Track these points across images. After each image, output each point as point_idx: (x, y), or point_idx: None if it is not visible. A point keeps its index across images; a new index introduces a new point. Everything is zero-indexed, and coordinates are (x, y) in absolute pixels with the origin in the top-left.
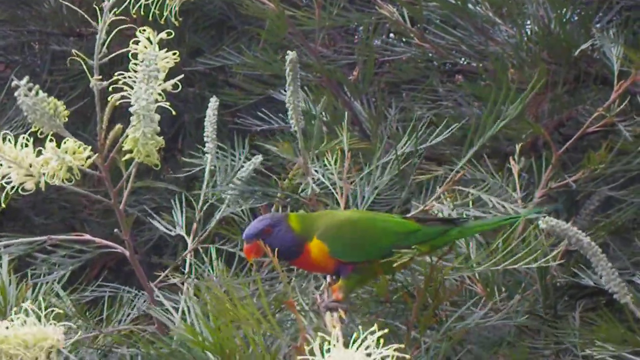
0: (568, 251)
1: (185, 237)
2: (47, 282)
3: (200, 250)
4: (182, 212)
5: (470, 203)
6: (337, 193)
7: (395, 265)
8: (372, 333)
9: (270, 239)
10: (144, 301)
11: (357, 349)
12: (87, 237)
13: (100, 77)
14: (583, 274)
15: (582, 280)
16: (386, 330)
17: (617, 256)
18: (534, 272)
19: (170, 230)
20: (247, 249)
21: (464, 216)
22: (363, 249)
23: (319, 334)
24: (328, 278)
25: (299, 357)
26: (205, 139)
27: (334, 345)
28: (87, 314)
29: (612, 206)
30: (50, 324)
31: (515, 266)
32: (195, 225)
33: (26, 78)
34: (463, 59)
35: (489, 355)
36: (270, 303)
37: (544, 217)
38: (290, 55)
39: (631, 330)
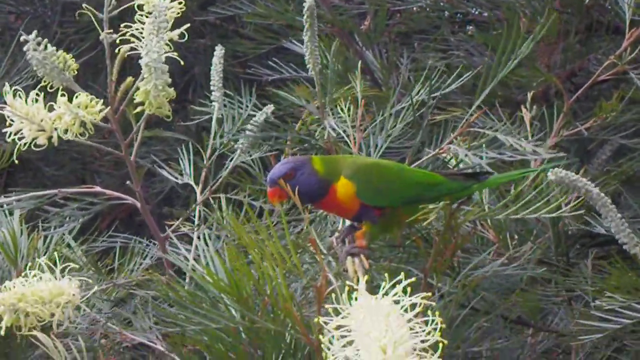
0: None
1: (194, 186)
2: (58, 234)
3: (211, 200)
4: (190, 161)
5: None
6: (350, 141)
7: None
8: (400, 282)
9: (294, 181)
10: (156, 250)
11: (384, 296)
12: (98, 189)
13: (111, 30)
14: (595, 222)
15: (594, 229)
16: (413, 279)
17: (629, 205)
18: (546, 220)
19: (179, 180)
20: (271, 193)
21: (485, 171)
22: (389, 195)
23: (344, 279)
24: (342, 223)
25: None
26: (212, 87)
27: (360, 292)
28: (99, 264)
29: (624, 155)
30: (66, 277)
31: (534, 215)
32: (204, 174)
33: (34, 32)
34: (475, 8)
35: (502, 301)
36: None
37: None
38: (308, 2)
39: None
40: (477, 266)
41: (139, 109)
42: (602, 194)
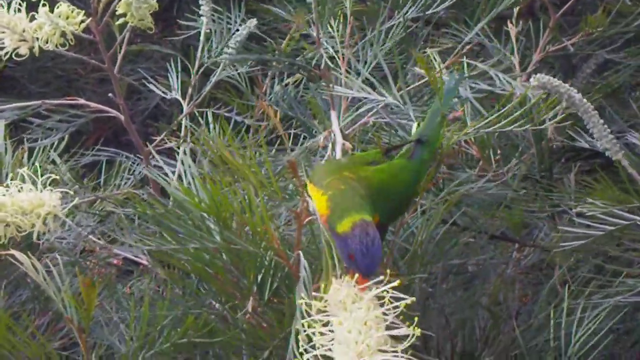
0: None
1: (180, 100)
2: (43, 149)
3: (197, 114)
4: (177, 74)
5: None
6: (339, 59)
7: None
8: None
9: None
10: (141, 165)
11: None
12: (82, 101)
13: None
14: (579, 137)
15: (578, 143)
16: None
17: (614, 120)
18: (530, 135)
19: (166, 94)
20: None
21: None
22: (403, 207)
23: None
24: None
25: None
26: (200, 0)
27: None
28: (84, 180)
29: (609, 69)
30: (47, 189)
31: (520, 129)
32: (190, 89)
33: None
34: None
35: (485, 217)
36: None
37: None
38: None
39: (626, 191)
40: (461, 183)
41: (121, 20)
42: (585, 100)
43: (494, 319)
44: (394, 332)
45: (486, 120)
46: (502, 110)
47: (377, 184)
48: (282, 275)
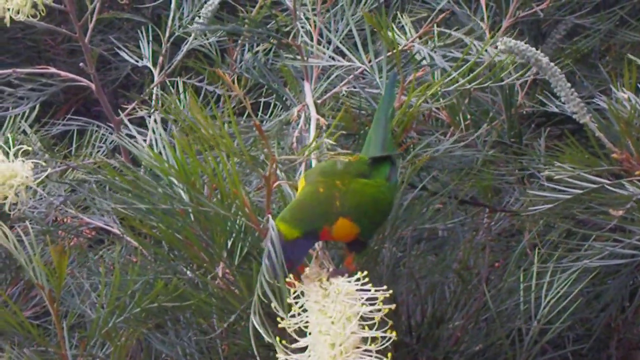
0: (534, 80)
1: (152, 68)
2: (14, 120)
3: (168, 83)
4: (148, 42)
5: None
6: (310, 26)
7: None
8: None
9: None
10: (112, 134)
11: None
12: (53, 70)
13: None
14: (549, 102)
15: (549, 108)
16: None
17: (584, 86)
18: (500, 101)
19: (137, 62)
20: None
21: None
22: (380, 226)
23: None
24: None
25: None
26: None
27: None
28: (55, 149)
29: (578, 34)
30: (19, 160)
31: (483, 86)
32: (161, 58)
33: None
34: None
35: (456, 182)
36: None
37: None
38: None
39: (595, 155)
40: (429, 145)
41: None
42: (552, 64)
43: (464, 284)
44: (370, 334)
45: (449, 78)
46: (462, 68)
47: (370, 195)
48: (251, 239)
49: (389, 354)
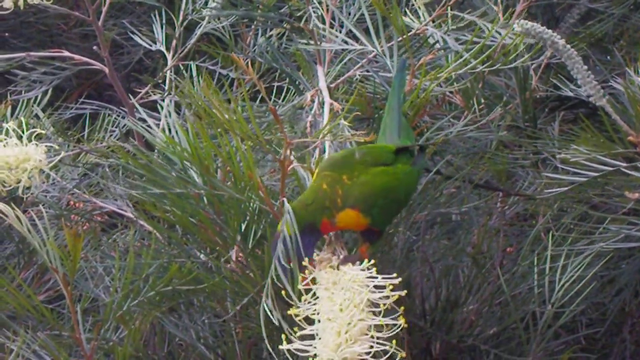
0: (548, 64)
1: (165, 51)
2: (27, 104)
3: (181, 67)
4: (162, 26)
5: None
6: (323, 10)
7: None
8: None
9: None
10: (125, 117)
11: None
12: (66, 53)
13: None
14: (563, 86)
15: (563, 92)
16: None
17: (598, 70)
18: (514, 85)
19: (151, 46)
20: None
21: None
22: (397, 213)
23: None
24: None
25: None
26: None
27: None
28: (67, 133)
29: (592, 18)
30: (32, 144)
31: (493, 68)
32: (175, 41)
33: None
34: None
35: (470, 166)
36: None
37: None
38: None
39: (609, 138)
40: (441, 129)
41: None
42: (569, 46)
43: (478, 268)
44: (379, 321)
45: (461, 59)
46: (474, 50)
47: (379, 185)
48: (265, 223)
49: (394, 341)
